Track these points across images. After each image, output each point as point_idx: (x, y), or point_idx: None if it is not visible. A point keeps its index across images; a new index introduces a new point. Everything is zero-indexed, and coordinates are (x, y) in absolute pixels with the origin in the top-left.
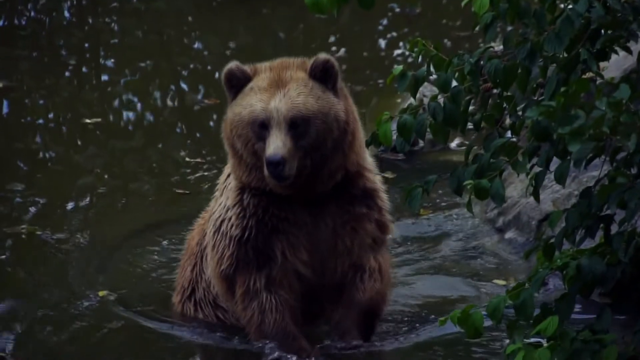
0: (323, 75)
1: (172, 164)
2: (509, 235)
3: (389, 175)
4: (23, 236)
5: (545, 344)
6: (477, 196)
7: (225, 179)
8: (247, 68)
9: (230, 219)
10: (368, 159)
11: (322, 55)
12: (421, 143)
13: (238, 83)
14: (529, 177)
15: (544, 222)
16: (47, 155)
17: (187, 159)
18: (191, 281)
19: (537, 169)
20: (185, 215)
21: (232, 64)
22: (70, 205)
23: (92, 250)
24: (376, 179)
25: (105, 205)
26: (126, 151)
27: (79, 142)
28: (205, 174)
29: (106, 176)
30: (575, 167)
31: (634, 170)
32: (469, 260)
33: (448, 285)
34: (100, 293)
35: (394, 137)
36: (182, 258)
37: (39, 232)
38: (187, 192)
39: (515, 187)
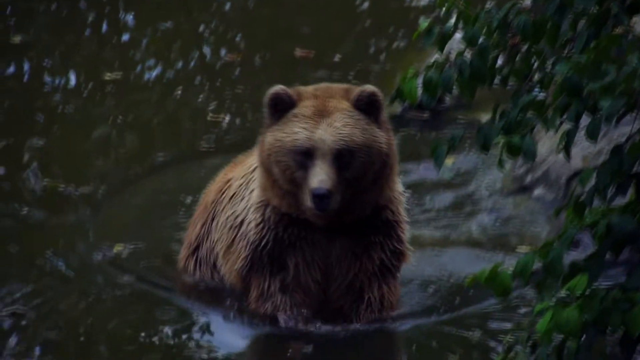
0: (368, 107)
1: (196, 120)
2: (537, 192)
3: (413, 132)
4: (44, 191)
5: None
6: (509, 153)
7: (254, 170)
8: (292, 92)
9: (249, 223)
10: (398, 189)
11: (369, 88)
12: (447, 101)
13: (283, 108)
14: (559, 133)
15: (573, 179)
16: (66, 110)
17: (209, 115)
18: (198, 237)
19: (567, 126)
20: (209, 170)
21: (279, 88)
22: (89, 160)
23: (110, 204)
24: (400, 209)
25: (126, 160)
26: (146, 106)
27: (98, 98)
28: (229, 130)
29: (127, 132)
30: (606, 123)
31: None
32: (497, 220)
33: (473, 255)
34: (116, 248)
35: (420, 94)
36: (195, 212)
37: (61, 188)
38: (212, 147)
39: (544, 143)
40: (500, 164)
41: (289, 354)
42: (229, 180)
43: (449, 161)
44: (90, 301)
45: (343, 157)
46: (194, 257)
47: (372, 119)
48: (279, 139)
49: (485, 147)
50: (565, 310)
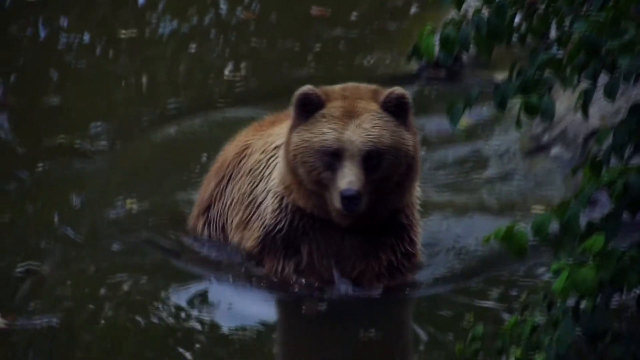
0: (397, 109)
1: (210, 76)
2: (554, 151)
3: (430, 87)
4: (60, 148)
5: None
6: (527, 113)
7: (275, 148)
8: (320, 93)
9: (267, 207)
10: (415, 194)
11: (398, 90)
12: (464, 60)
13: (312, 108)
14: (577, 92)
15: (591, 138)
16: (80, 67)
17: (225, 73)
18: (210, 197)
19: (585, 84)
20: (224, 126)
21: (308, 88)
22: (104, 117)
23: (126, 160)
24: (415, 213)
25: (142, 115)
26: (162, 63)
27: (112, 55)
28: (244, 86)
29: (143, 88)
30: (625, 81)
31: None
32: (513, 179)
33: (489, 215)
34: (128, 203)
35: (437, 51)
36: (211, 170)
37: (77, 145)
38: (229, 100)
39: (562, 102)
40: (518, 124)
41: (303, 311)
42: (248, 146)
43: (463, 123)
44: (102, 259)
45: (371, 159)
46: (205, 217)
47: (401, 121)
48: (306, 139)
49: (501, 105)
50: (581, 270)
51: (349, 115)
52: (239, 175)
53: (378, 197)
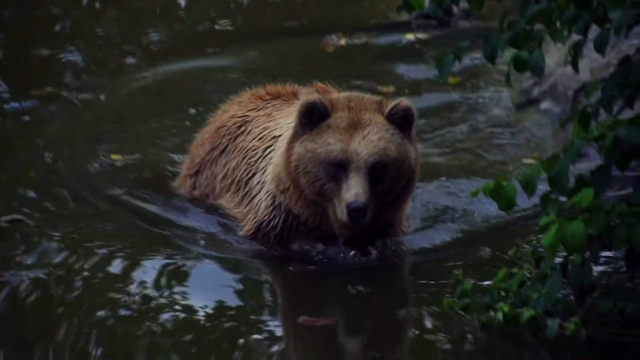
0: (402, 122)
1: (199, 26)
2: (544, 105)
3: (421, 35)
4: (48, 98)
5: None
6: (516, 68)
7: (273, 138)
8: (327, 103)
9: (260, 202)
10: (407, 207)
11: (404, 102)
12: (455, 12)
13: (318, 118)
14: (567, 46)
15: (581, 91)
16: (66, 22)
17: (214, 21)
18: (202, 161)
19: (575, 38)
20: (214, 77)
21: (316, 97)
22: (90, 69)
23: (113, 111)
24: (404, 222)
25: (130, 67)
26: (150, 15)
27: (100, 7)
28: (233, 36)
29: (131, 40)
30: (616, 34)
31: None
32: (504, 133)
33: (477, 169)
34: (113, 156)
35: (427, 1)
36: (205, 130)
37: (64, 94)
38: (216, 50)
39: (552, 55)
40: (508, 80)
41: (291, 269)
42: (247, 121)
43: (453, 80)
44: (87, 208)
45: (376, 171)
46: (193, 180)
47: (405, 134)
48: (311, 149)
49: (491, 58)
50: (570, 224)
51: (355, 126)
52: (234, 151)
53: (378, 209)
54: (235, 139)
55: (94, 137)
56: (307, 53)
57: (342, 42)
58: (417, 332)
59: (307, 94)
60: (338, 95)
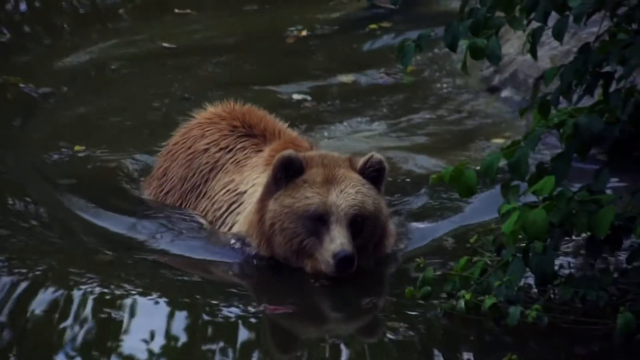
0: (376, 175)
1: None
2: (505, 94)
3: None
4: (3, 88)
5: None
6: (473, 56)
7: (238, 194)
8: (302, 158)
9: (238, 240)
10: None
11: (375, 155)
12: None
13: (293, 173)
14: (527, 33)
15: (541, 79)
16: (29, 6)
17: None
18: (173, 185)
19: (534, 25)
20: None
21: (291, 152)
22: (49, 61)
23: (75, 104)
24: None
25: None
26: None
27: None
28: (194, 26)
29: (89, 32)
30: (575, 22)
31: (634, 26)
32: (465, 121)
33: (442, 151)
34: (76, 147)
35: None
36: (172, 147)
37: (22, 85)
38: (174, 46)
39: (512, 44)
40: (464, 67)
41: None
42: (216, 163)
43: (409, 68)
44: (43, 195)
45: (356, 224)
46: (159, 192)
47: (379, 188)
48: (288, 205)
49: (452, 47)
50: (531, 212)
51: (331, 181)
52: (204, 195)
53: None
54: (205, 182)
55: (54, 130)
56: (269, 45)
57: (304, 33)
58: (379, 321)
59: (276, 149)
60: (309, 153)
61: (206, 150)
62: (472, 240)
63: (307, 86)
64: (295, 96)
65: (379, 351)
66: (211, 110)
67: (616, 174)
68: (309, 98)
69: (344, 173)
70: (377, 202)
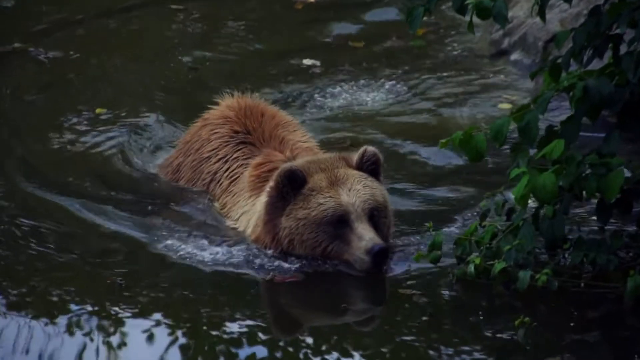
0: (373, 168)
1: None
2: (514, 56)
3: None
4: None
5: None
6: (479, 16)
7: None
8: (302, 168)
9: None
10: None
11: (369, 149)
12: None
13: (299, 185)
14: None
15: (550, 42)
16: None
17: None
18: (187, 178)
19: None
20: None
21: (291, 165)
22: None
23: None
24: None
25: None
26: None
27: None
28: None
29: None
30: None
31: None
32: (472, 85)
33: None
34: (98, 110)
35: None
36: (188, 141)
37: (30, 49)
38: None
39: (522, 6)
40: (471, 27)
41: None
42: (212, 182)
43: (419, 31)
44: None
45: (373, 217)
46: (173, 176)
47: (378, 179)
48: (302, 217)
49: (460, 10)
50: (541, 176)
51: (336, 182)
52: (219, 184)
53: None
54: (221, 179)
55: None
56: (277, 10)
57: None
58: (390, 287)
59: (255, 175)
60: (301, 161)
61: (208, 158)
62: (482, 204)
63: (316, 51)
64: (306, 61)
65: (389, 316)
66: (220, 109)
67: (625, 137)
68: (318, 63)
69: (345, 172)
70: (383, 193)
